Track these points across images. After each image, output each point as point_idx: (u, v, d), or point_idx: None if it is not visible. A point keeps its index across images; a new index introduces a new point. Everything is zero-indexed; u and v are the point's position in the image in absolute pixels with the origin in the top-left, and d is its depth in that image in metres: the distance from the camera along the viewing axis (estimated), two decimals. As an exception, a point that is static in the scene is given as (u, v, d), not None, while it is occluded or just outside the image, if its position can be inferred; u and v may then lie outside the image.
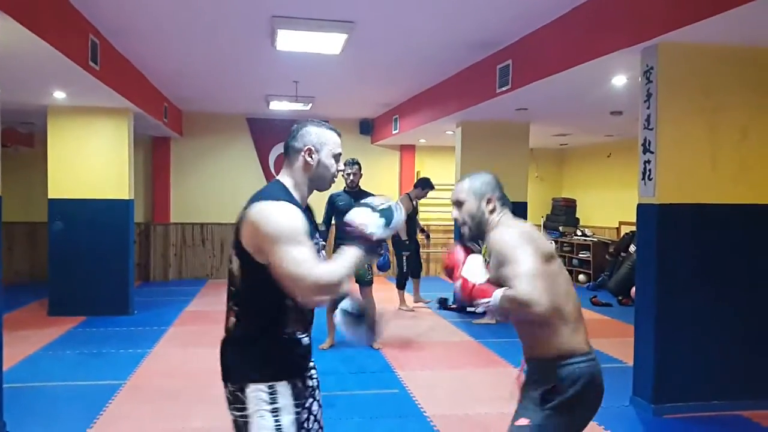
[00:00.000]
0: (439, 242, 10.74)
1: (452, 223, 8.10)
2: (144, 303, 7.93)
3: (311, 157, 1.98)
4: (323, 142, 2.01)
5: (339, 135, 2.08)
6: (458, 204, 2.26)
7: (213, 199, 10.31)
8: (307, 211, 2.04)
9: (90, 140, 7.20)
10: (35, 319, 6.98)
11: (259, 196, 1.88)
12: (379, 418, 4.08)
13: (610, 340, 6.09)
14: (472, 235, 2.22)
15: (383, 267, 6.07)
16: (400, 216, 1.95)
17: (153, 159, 10.36)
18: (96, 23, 5.04)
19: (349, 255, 1.85)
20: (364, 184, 5.94)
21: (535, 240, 2.09)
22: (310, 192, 2.05)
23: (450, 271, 2.22)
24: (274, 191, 1.92)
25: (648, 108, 4.11)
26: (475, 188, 2.23)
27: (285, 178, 2.00)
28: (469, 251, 2.21)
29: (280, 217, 1.80)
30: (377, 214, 1.91)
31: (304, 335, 1.99)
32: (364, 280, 5.73)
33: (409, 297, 8.14)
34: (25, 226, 9.69)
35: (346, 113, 10.30)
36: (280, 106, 8.83)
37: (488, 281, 2.04)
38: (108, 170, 7.24)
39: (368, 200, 1.97)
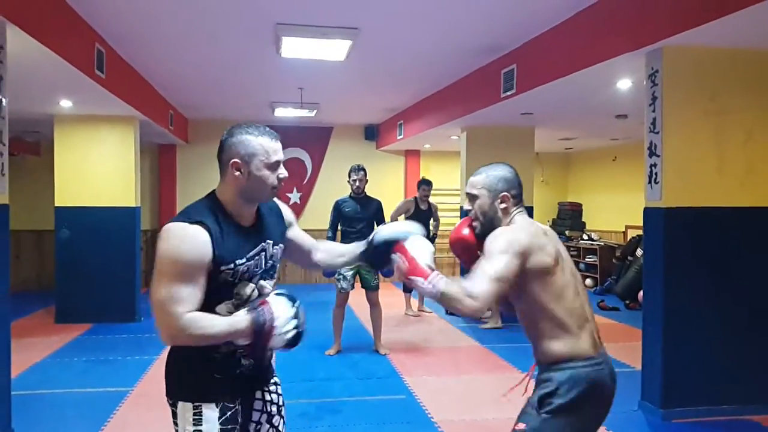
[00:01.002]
0: (444, 247, 10.71)
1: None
2: (150, 310, 7.92)
3: (240, 171, 1.78)
4: (252, 152, 1.78)
5: (275, 138, 1.83)
6: (471, 198, 2.18)
7: None
8: (258, 224, 1.89)
9: (96, 148, 7.23)
10: (42, 327, 7.00)
11: (178, 214, 1.78)
12: (386, 424, 4.07)
13: (618, 344, 6.06)
14: (483, 231, 2.14)
15: (389, 273, 6.06)
16: (296, 343, 1.78)
17: (159, 166, 10.40)
18: (102, 32, 5.07)
19: (232, 328, 1.70)
20: (369, 190, 5.95)
21: (535, 246, 1.99)
22: (251, 205, 1.86)
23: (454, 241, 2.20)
24: (194, 209, 1.79)
25: (653, 111, 4.10)
26: (490, 184, 2.14)
27: (219, 191, 1.85)
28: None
29: (174, 245, 1.68)
30: (295, 330, 1.75)
31: (245, 355, 1.84)
32: (370, 285, 5.72)
33: (415, 302, 8.13)
34: (32, 234, 9.73)
35: (350, 119, 10.32)
36: (285, 113, 8.86)
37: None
38: (114, 178, 7.27)
39: (300, 311, 1.79)
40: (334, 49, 5.34)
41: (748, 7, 3.09)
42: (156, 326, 1.71)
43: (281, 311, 1.74)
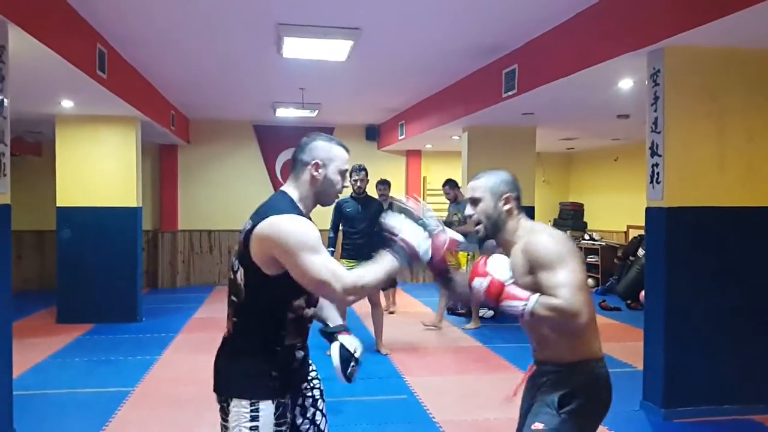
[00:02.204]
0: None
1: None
2: (152, 310, 7.95)
3: (318, 171, 1.97)
4: (331, 157, 1.99)
5: (347, 151, 2.06)
6: (474, 201, 2.16)
7: (220, 206, 10.34)
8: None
9: (98, 148, 7.24)
10: (44, 327, 7.01)
11: (267, 210, 1.88)
12: (387, 425, 4.07)
13: (620, 344, 6.05)
14: (487, 235, 2.14)
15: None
16: (447, 237, 1.96)
17: (160, 166, 10.40)
18: (103, 32, 5.08)
19: (384, 264, 1.86)
20: (370, 190, 5.95)
21: (574, 248, 2.03)
22: (314, 206, 2.04)
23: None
24: (282, 205, 1.91)
25: (655, 111, 4.10)
26: (493, 186, 2.13)
27: (290, 190, 1.99)
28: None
29: (297, 229, 1.81)
30: (427, 234, 1.91)
31: (299, 348, 2.01)
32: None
33: (396, 298, 8.08)
34: (34, 235, 9.75)
35: (352, 119, 10.32)
36: (286, 113, 8.86)
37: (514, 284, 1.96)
38: (116, 178, 7.28)
39: (422, 219, 1.95)
40: (336, 50, 5.34)
41: (750, 7, 3.09)
42: (332, 295, 1.85)
43: (409, 231, 1.90)
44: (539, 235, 2.03)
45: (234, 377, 1.92)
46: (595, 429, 2.07)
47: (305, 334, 2.03)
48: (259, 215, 1.87)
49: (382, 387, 4.87)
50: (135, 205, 7.35)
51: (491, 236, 2.12)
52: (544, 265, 1.94)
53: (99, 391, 4.73)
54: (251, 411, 1.86)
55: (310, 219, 2.01)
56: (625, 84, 5.16)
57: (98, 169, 7.24)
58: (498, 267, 1.98)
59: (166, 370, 5.30)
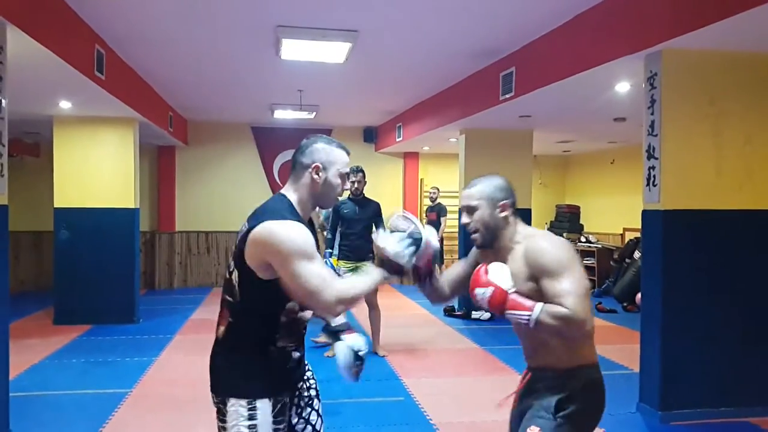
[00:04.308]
0: (445, 249, 10.73)
1: (457, 230, 8.09)
2: (149, 311, 7.94)
3: (318, 174, 1.95)
4: (332, 160, 1.97)
5: (348, 154, 2.04)
6: (469, 210, 2.13)
7: (218, 207, 10.33)
8: (310, 225, 2.03)
9: (96, 149, 7.23)
10: (41, 328, 7.00)
11: (264, 214, 1.87)
12: (385, 426, 4.07)
13: (616, 346, 6.07)
14: (484, 243, 2.13)
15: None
16: (432, 246, 2.02)
17: (158, 168, 10.40)
18: (102, 33, 5.08)
19: (373, 276, 1.94)
20: (368, 192, 5.96)
21: (574, 254, 2.03)
22: (313, 208, 2.03)
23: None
24: (280, 209, 1.90)
25: (652, 114, 4.12)
26: (489, 193, 2.11)
27: (290, 193, 1.98)
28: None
29: (291, 235, 1.80)
30: (409, 241, 1.96)
31: (295, 349, 1.99)
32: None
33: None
34: (31, 235, 9.74)
35: (349, 121, 10.33)
36: (284, 115, 8.87)
37: (517, 291, 1.95)
38: (113, 179, 7.28)
39: (405, 228, 2.00)
40: (334, 52, 5.35)
41: (747, 11, 3.11)
42: (319, 305, 1.84)
43: (397, 248, 1.94)
44: (540, 241, 2.02)
45: (230, 377, 1.91)
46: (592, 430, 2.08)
47: (301, 336, 2.02)
48: (256, 218, 1.86)
49: (379, 389, 4.87)
50: (132, 206, 7.34)
51: (488, 244, 2.11)
52: (548, 273, 1.93)
53: (96, 393, 4.72)
54: (249, 410, 1.86)
55: (308, 223, 2.00)
56: (622, 87, 5.18)
57: (96, 170, 7.24)
58: (499, 275, 1.96)
59: (164, 371, 5.30)
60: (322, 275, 1.80)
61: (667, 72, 4.00)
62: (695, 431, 3.96)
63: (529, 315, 1.87)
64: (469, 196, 2.15)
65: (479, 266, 2.04)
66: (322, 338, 5.89)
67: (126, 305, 7.31)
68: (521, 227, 2.14)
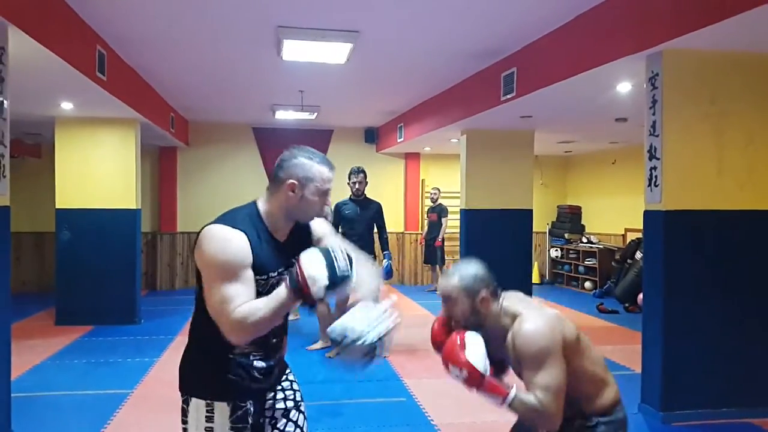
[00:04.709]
0: (446, 250, 10.72)
1: (458, 231, 8.09)
2: (151, 312, 7.94)
3: (294, 192, 1.84)
4: (311, 177, 1.84)
5: (332, 169, 1.90)
6: (448, 300, 2.16)
7: (219, 208, 9.98)
8: (290, 240, 1.92)
9: (97, 150, 7.24)
10: (43, 329, 7.00)
11: (220, 218, 1.83)
12: (386, 427, 4.07)
13: (617, 347, 6.05)
14: (466, 327, 2.13)
15: (387, 275, 6.06)
16: (350, 284, 1.76)
17: (160, 168, 10.41)
18: (103, 34, 5.09)
19: (277, 300, 1.71)
20: (369, 192, 5.96)
21: (561, 326, 2.08)
22: (288, 221, 1.91)
23: (439, 344, 2.14)
24: (235, 216, 1.83)
25: (653, 114, 4.11)
26: (467, 286, 2.12)
27: (261, 202, 1.90)
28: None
29: (218, 248, 1.73)
30: (331, 273, 1.69)
31: (258, 358, 1.89)
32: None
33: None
34: (33, 236, 9.75)
35: (351, 122, 10.33)
36: (285, 116, 8.87)
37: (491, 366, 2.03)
38: (115, 180, 7.28)
39: (337, 254, 1.73)
40: (335, 52, 5.35)
41: (749, 11, 3.10)
42: (221, 328, 1.74)
43: (311, 262, 1.71)
44: (525, 325, 2.05)
45: (193, 378, 1.92)
46: None
47: (267, 345, 1.92)
48: (213, 221, 1.83)
49: (380, 389, 4.87)
50: (134, 207, 7.35)
51: (475, 329, 2.13)
52: (526, 364, 2.01)
53: (97, 393, 4.73)
54: (206, 411, 1.85)
55: (269, 235, 1.86)
56: (624, 87, 5.18)
57: (97, 170, 7.24)
58: (475, 354, 1.98)
59: (165, 372, 5.29)
60: (227, 298, 1.69)
61: (668, 72, 4.00)
62: (697, 432, 3.96)
63: (503, 399, 1.97)
64: (446, 290, 2.17)
65: (453, 335, 2.05)
66: (318, 345, 5.92)
67: (127, 306, 7.32)
68: (507, 304, 2.16)
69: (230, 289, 1.71)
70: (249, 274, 1.76)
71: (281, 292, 1.72)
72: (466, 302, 2.12)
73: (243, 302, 1.71)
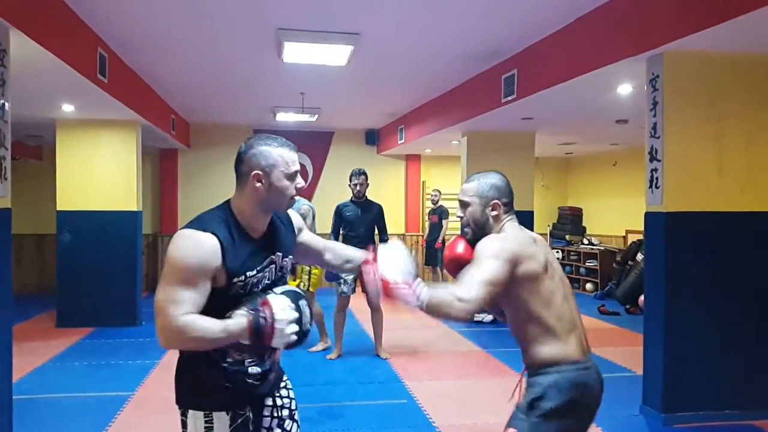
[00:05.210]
0: (446, 252, 10.73)
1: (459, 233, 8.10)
2: (152, 314, 7.86)
3: (261, 182, 1.78)
4: (273, 163, 1.79)
5: (293, 149, 1.85)
6: (463, 205, 2.19)
7: None
8: (269, 235, 1.89)
9: (98, 152, 7.25)
10: (43, 331, 7.00)
11: (190, 221, 1.82)
12: (387, 429, 4.07)
13: (619, 348, 6.05)
14: (474, 238, 2.14)
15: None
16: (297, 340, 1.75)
17: (161, 170, 10.42)
18: (104, 36, 5.09)
19: (230, 333, 1.68)
20: (370, 194, 5.96)
21: (525, 254, 2.00)
22: (264, 215, 1.86)
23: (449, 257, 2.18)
24: (206, 218, 1.81)
25: (654, 116, 4.11)
26: (482, 191, 2.15)
27: (233, 201, 1.86)
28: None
29: (178, 252, 1.71)
30: (296, 328, 1.70)
31: (255, 364, 1.85)
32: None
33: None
34: (34, 238, 9.75)
35: (351, 123, 10.34)
36: (286, 118, 8.88)
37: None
38: (116, 182, 7.29)
39: (303, 309, 1.76)
40: (336, 54, 5.35)
41: (749, 13, 3.11)
42: (157, 330, 1.72)
43: (283, 311, 1.71)
44: (487, 237, 2.06)
45: (189, 389, 1.87)
46: (580, 430, 2.06)
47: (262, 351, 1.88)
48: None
49: (381, 391, 4.87)
50: (135, 209, 7.35)
51: (478, 239, 2.12)
52: (473, 261, 1.99)
53: (98, 396, 4.72)
54: (206, 422, 1.81)
55: (243, 234, 1.83)
56: (624, 89, 5.18)
57: (98, 172, 7.25)
58: (386, 258, 1.95)
59: (166, 374, 5.27)
60: (176, 301, 1.66)
61: (669, 74, 4.00)
62: (698, 434, 3.96)
63: (406, 295, 1.89)
64: (464, 191, 2.20)
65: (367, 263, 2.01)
66: (319, 347, 5.92)
67: (128, 308, 7.32)
68: (509, 226, 2.14)
69: (183, 294, 1.68)
70: (207, 285, 1.71)
71: (237, 328, 1.68)
72: (478, 206, 2.14)
73: (189, 311, 1.67)
